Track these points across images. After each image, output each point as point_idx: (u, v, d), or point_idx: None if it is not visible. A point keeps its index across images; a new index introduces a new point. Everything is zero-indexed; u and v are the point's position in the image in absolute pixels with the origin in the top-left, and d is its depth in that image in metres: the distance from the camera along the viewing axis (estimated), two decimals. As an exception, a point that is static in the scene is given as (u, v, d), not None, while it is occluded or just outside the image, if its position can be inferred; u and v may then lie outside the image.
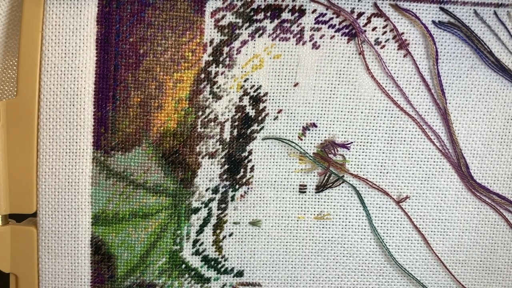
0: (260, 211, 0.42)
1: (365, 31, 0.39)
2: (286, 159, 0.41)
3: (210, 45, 0.39)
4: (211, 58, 0.39)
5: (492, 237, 0.42)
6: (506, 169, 0.41)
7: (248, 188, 0.41)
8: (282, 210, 0.42)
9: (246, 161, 0.41)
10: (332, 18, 0.39)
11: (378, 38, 0.39)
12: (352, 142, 0.41)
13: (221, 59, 0.39)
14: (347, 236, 0.42)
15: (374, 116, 0.40)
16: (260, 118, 0.40)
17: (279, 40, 0.39)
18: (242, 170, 0.41)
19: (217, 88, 0.40)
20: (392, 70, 0.40)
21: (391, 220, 0.42)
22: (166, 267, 0.42)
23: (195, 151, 0.40)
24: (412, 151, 0.41)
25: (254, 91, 0.40)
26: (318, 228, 0.42)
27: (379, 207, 0.42)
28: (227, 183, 0.41)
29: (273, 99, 0.40)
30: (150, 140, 0.40)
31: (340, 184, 0.41)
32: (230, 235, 0.42)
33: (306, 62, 0.39)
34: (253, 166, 0.41)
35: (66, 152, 0.39)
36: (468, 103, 0.41)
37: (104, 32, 0.38)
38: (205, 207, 0.41)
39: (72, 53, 0.38)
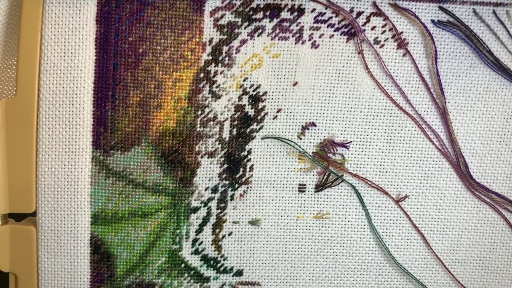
0: (260, 210, 0.42)
1: (364, 30, 0.39)
2: (286, 158, 0.41)
3: (209, 44, 0.39)
4: (210, 57, 0.39)
5: (491, 236, 0.42)
6: (505, 168, 0.41)
7: (248, 188, 0.41)
8: (282, 210, 0.42)
9: (245, 160, 0.41)
10: (331, 17, 0.39)
11: (377, 37, 0.39)
12: (351, 141, 0.41)
13: (220, 58, 0.39)
14: (347, 236, 0.42)
15: (373, 115, 0.40)
16: (259, 117, 0.40)
17: (278, 39, 0.39)
18: (241, 169, 0.41)
19: (217, 87, 0.40)
20: (391, 69, 0.40)
21: (390, 220, 0.42)
22: (166, 267, 0.42)
23: (194, 150, 0.40)
24: (411, 150, 0.41)
25: (254, 90, 0.40)
26: (317, 227, 0.42)
27: (379, 206, 0.42)
28: (227, 182, 0.41)
29: (272, 98, 0.40)
30: (149, 139, 0.40)
31: (339, 183, 0.41)
32: (230, 234, 0.42)
33: (305, 61, 0.39)
34: (252, 165, 0.41)
35: (65, 152, 0.39)
36: (467, 102, 0.41)
37: (103, 32, 0.38)
38: (204, 206, 0.41)
39: (72, 53, 0.38)
